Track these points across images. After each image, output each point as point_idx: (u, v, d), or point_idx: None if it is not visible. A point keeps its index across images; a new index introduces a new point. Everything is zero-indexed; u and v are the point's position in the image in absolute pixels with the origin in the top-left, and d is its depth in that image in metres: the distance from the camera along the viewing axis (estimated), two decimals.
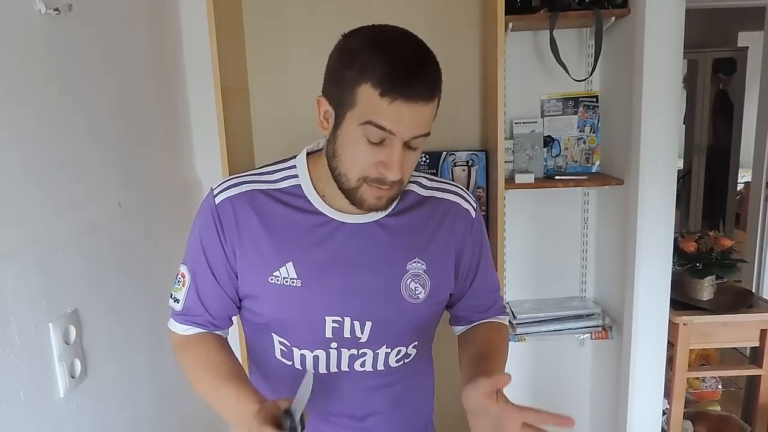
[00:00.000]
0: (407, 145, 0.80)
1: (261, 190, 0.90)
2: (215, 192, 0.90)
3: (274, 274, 0.88)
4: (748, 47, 4.52)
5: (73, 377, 1.01)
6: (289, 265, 0.88)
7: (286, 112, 1.82)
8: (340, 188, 0.85)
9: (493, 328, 1.03)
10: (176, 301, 0.94)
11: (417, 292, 0.92)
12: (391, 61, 0.76)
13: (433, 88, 0.79)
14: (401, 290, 0.91)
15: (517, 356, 2.12)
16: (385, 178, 0.81)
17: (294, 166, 0.93)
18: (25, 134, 0.94)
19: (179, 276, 0.94)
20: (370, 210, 0.86)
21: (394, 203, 0.92)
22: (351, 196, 0.85)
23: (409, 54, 0.78)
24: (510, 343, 1.94)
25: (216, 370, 0.89)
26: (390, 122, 0.77)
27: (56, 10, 1.00)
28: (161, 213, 1.51)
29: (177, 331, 0.95)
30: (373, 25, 0.82)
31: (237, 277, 0.91)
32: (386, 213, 0.92)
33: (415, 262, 0.92)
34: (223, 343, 0.95)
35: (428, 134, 0.82)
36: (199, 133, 1.79)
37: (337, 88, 0.80)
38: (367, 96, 0.77)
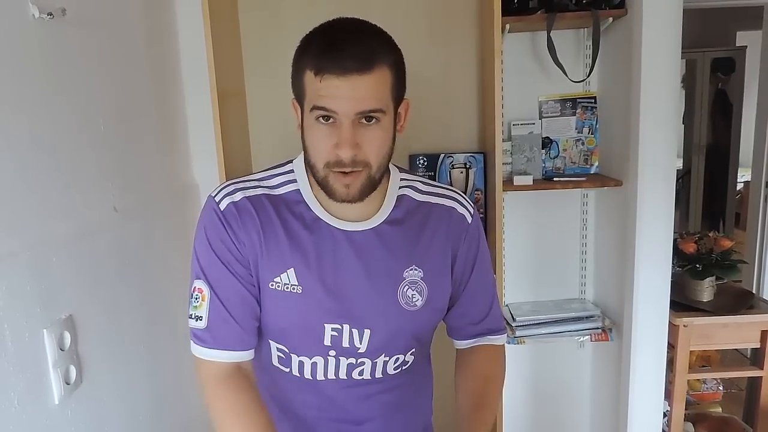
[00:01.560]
0: (361, 122, 0.79)
1: (263, 195, 0.89)
2: (217, 198, 0.88)
3: (274, 279, 0.87)
4: (746, 46, 4.53)
5: (68, 384, 1.00)
6: (291, 271, 0.87)
7: (283, 114, 1.78)
8: (317, 183, 0.85)
9: (490, 357, 1.01)
10: (198, 319, 0.86)
11: (414, 300, 0.91)
12: (322, 42, 0.78)
13: (365, 60, 0.76)
14: (398, 298, 0.90)
15: (517, 359, 2.11)
16: (340, 159, 0.80)
17: (292, 171, 0.92)
18: (19, 139, 0.93)
19: (195, 292, 0.87)
20: (342, 200, 0.83)
21: (380, 201, 0.90)
22: (324, 187, 0.84)
23: (339, 33, 0.79)
24: (509, 345, 1.96)
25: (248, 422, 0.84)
26: (327, 101, 0.77)
27: (50, 14, 0.99)
28: (157, 217, 1.50)
29: (206, 358, 0.87)
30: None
31: (252, 275, 0.88)
32: (382, 220, 0.91)
33: (412, 269, 0.91)
34: (255, 388, 0.90)
35: (381, 110, 0.79)
36: (196, 136, 1.78)
37: (295, 86, 0.84)
38: (309, 81, 0.79)
